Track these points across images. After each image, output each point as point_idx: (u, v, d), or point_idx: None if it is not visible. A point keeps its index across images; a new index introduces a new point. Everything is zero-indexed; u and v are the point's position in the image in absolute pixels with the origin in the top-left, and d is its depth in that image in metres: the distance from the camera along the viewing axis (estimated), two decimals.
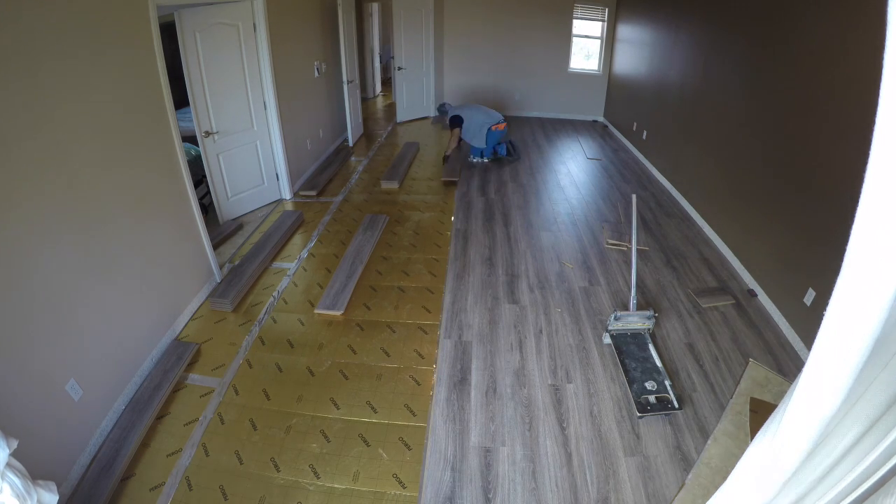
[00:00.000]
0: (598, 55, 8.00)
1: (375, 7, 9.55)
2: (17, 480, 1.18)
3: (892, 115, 0.53)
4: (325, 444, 2.33)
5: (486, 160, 5.99)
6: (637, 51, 6.59)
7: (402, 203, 4.95)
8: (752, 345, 2.98)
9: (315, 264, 3.85)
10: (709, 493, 1.78)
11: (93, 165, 2.33)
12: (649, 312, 2.89)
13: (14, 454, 1.20)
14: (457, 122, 5.78)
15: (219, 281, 3.50)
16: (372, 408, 2.54)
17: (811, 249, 2.92)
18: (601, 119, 8.28)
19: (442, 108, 6.20)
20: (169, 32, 3.29)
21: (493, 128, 5.66)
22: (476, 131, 5.73)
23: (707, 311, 3.29)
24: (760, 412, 2.13)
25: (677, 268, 3.81)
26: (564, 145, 6.97)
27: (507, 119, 6.27)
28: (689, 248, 4.10)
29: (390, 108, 9.17)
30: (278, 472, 2.20)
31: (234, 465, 2.22)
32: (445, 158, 5.93)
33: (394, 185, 5.30)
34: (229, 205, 4.41)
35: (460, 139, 5.90)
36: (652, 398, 2.50)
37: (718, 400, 2.58)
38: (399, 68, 7.50)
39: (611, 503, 2.07)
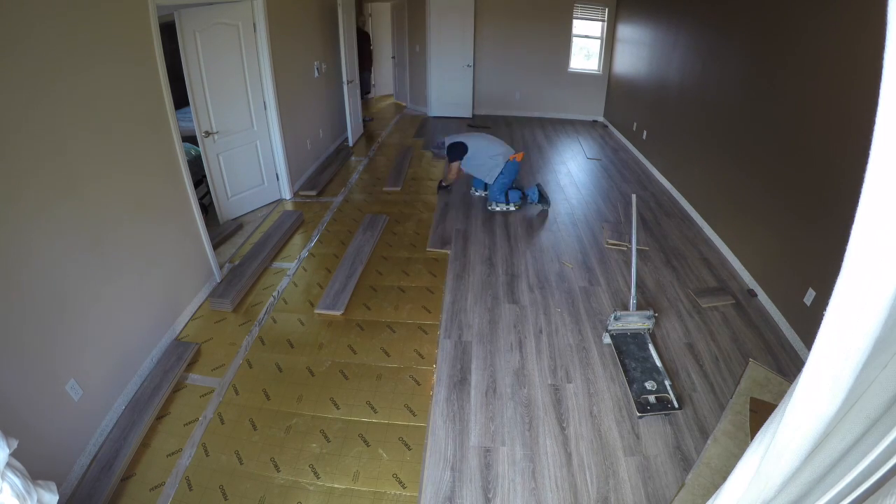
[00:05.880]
0: (598, 55, 8.00)
1: (375, 7, 9.54)
2: (17, 480, 1.18)
3: (893, 115, 0.53)
4: (325, 444, 2.33)
5: (511, 207, 4.55)
6: (637, 51, 6.59)
7: (402, 203, 4.95)
8: (752, 345, 2.98)
9: (315, 264, 3.85)
10: (709, 493, 1.78)
11: (92, 165, 2.32)
12: (649, 312, 2.89)
13: (14, 454, 1.20)
14: (458, 152, 4.48)
15: (219, 281, 3.50)
16: (372, 408, 2.54)
17: (811, 249, 2.92)
18: (601, 119, 8.28)
19: (439, 143, 4.74)
20: (169, 32, 3.29)
21: (512, 158, 4.44)
22: (486, 161, 4.41)
23: (707, 311, 3.29)
24: (760, 412, 2.14)
25: (677, 268, 3.81)
26: (564, 145, 6.96)
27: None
28: (689, 248, 4.10)
29: (391, 108, 9.17)
30: (278, 472, 2.19)
31: (234, 465, 2.22)
32: (441, 186, 4.98)
33: (396, 189, 5.29)
34: (229, 205, 4.41)
35: (460, 172, 4.69)
36: (652, 398, 2.50)
37: (718, 400, 2.58)
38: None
39: (610, 503, 2.07)
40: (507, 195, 4.52)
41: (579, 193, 5.22)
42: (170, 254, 2.98)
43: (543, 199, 4.62)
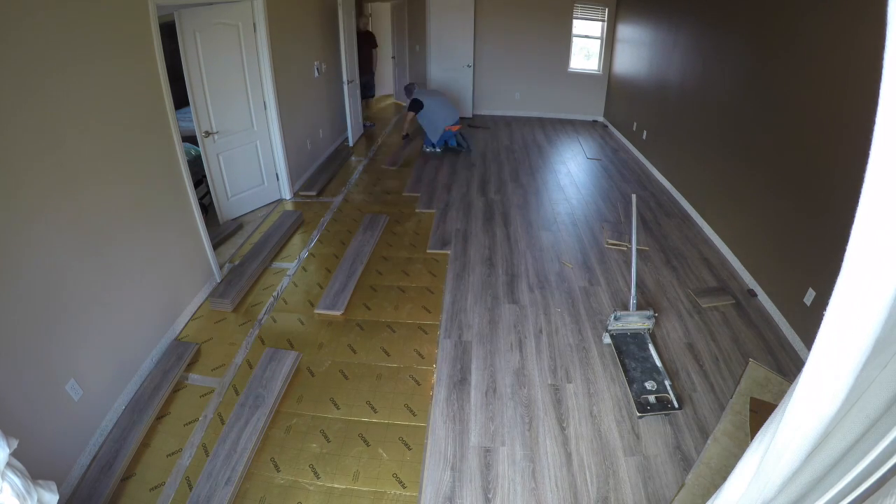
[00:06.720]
0: (598, 55, 8.00)
1: (375, 7, 9.54)
2: (17, 480, 1.18)
3: (893, 115, 0.53)
4: (325, 444, 2.33)
5: (438, 150, 6.40)
6: (637, 51, 6.58)
7: (402, 203, 4.95)
8: (752, 345, 2.98)
9: (315, 264, 3.85)
10: (709, 493, 1.78)
11: (92, 165, 2.32)
12: (649, 312, 2.89)
13: (14, 454, 1.20)
14: (416, 107, 6.14)
15: (219, 281, 3.50)
16: (372, 408, 2.54)
17: (811, 249, 2.92)
18: (601, 119, 8.28)
19: (408, 88, 6.41)
20: (169, 32, 3.29)
21: (447, 128, 6.13)
22: (431, 125, 6.17)
23: (707, 311, 3.29)
24: (760, 412, 2.13)
25: (677, 268, 3.81)
26: (564, 145, 6.96)
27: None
28: (689, 248, 4.10)
29: (391, 108, 9.17)
30: (278, 472, 2.20)
31: None
32: (405, 137, 6.76)
33: (416, 194, 5.21)
34: (229, 205, 4.41)
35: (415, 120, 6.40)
36: (652, 398, 2.50)
37: (718, 400, 2.58)
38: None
39: (610, 503, 2.07)
40: (433, 144, 6.37)
41: (579, 193, 5.22)
42: (170, 254, 2.98)
43: (459, 145, 6.42)
